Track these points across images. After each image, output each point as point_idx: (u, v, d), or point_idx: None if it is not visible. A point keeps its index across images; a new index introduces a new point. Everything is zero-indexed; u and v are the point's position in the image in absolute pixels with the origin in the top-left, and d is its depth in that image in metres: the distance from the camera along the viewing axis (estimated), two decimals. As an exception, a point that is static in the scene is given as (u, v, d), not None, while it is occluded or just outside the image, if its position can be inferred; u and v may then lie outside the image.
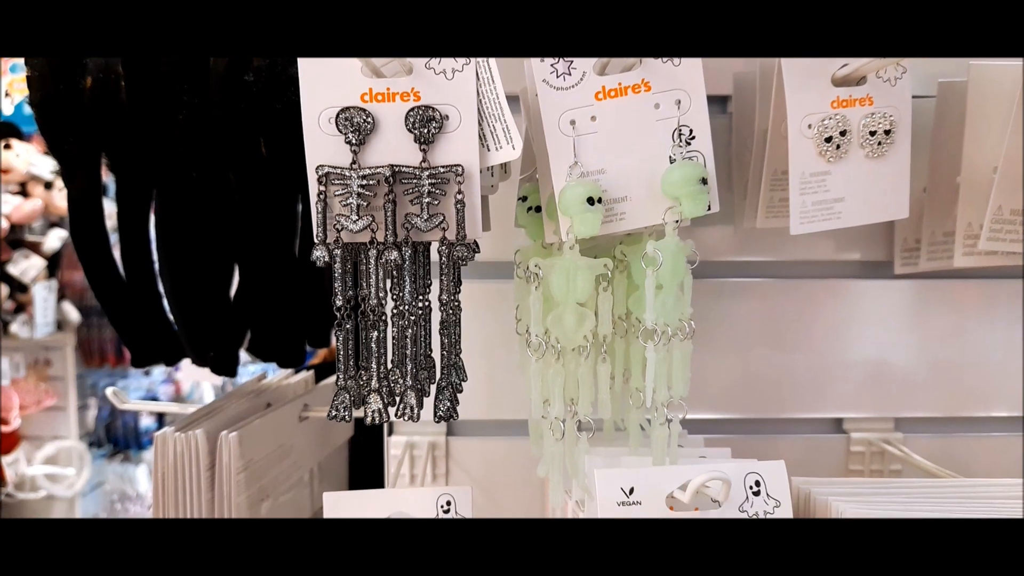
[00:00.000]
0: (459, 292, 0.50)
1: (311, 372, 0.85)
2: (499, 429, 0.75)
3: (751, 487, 0.48)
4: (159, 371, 2.32)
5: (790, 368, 0.75)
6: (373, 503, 0.52)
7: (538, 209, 0.57)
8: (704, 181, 0.48)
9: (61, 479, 2.07)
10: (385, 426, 0.75)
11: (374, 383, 0.47)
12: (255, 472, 0.66)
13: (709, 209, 0.49)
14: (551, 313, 0.50)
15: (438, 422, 0.48)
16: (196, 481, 0.63)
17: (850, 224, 0.55)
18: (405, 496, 0.53)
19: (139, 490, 2.23)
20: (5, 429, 1.96)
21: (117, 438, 2.27)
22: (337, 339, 0.48)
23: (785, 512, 0.48)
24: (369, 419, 0.46)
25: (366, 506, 0.52)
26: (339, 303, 0.47)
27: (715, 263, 0.75)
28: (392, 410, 0.48)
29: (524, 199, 0.59)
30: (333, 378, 0.48)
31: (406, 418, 0.46)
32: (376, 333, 0.47)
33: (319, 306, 0.68)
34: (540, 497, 0.74)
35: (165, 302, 0.69)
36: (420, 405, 0.47)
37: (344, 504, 0.52)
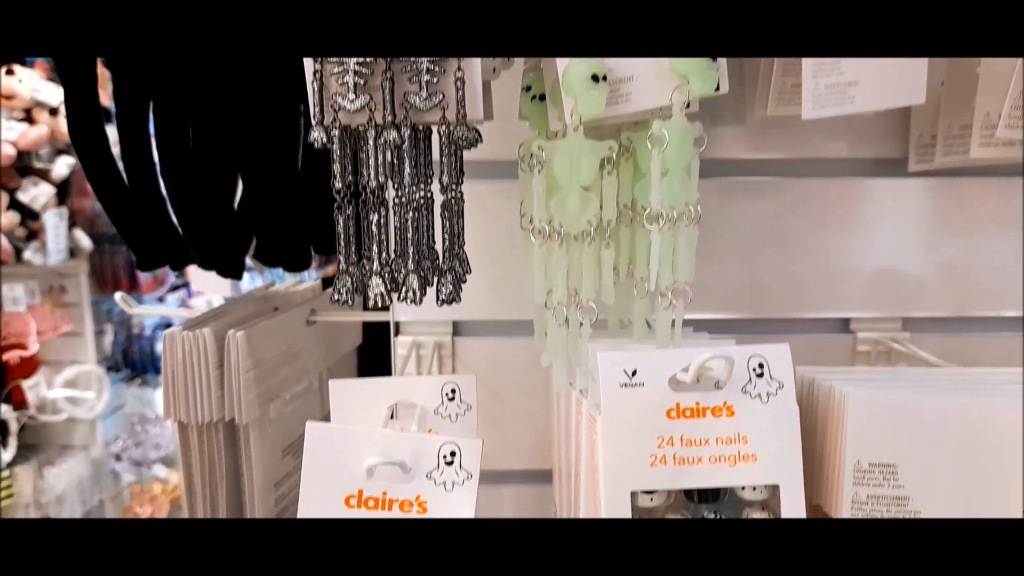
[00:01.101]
0: (462, 182, 0.49)
1: (318, 281, 0.85)
2: (504, 329, 0.75)
3: (754, 369, 0.48)
4: (172, 297, 2.34)
5: (798, 268, 0.75)
6: (379, 390, 0.53)
7: (542, 98, 0.56)
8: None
9: (81, 402, 2.12)
10: (392, 326, 0.75)
11: (376, 267, 0.47)
12: (264, 372, 0.67)
13: (718, 89, 0.48)
14: (555, 197, 0.50)
15: (440, 306, 0.48)
16: (205, 379, 0.64)
17: (865, 109, 0.53)
18: (410, 384, 0.54)
19: (158, 412, 2.29)
20: (24, 354, 2.00)
21: (134, 362, 2.31)
22: (337, 224, 0.47)
23: (788, 394, 0.48)
24: (372, 301, 0.46)
25: (372, 393, 0.53)
26: (338, 186, 0.47)
27: (723, 160, 0.73)
28: (395, 296, 0.48)
29: (528, 88, 0.57)
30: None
31: (408, 301, 0.46)
32: (376, 217, 0.47)
33: (323, 210, 0.68)
34: (545, 393, 0.75)
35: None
36: (423, 290, 0.47)
37: (351, 391, 0.53)
